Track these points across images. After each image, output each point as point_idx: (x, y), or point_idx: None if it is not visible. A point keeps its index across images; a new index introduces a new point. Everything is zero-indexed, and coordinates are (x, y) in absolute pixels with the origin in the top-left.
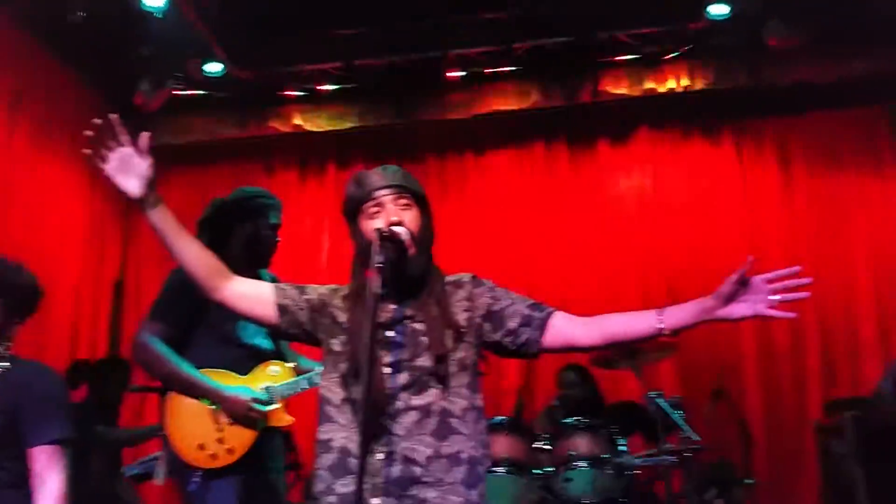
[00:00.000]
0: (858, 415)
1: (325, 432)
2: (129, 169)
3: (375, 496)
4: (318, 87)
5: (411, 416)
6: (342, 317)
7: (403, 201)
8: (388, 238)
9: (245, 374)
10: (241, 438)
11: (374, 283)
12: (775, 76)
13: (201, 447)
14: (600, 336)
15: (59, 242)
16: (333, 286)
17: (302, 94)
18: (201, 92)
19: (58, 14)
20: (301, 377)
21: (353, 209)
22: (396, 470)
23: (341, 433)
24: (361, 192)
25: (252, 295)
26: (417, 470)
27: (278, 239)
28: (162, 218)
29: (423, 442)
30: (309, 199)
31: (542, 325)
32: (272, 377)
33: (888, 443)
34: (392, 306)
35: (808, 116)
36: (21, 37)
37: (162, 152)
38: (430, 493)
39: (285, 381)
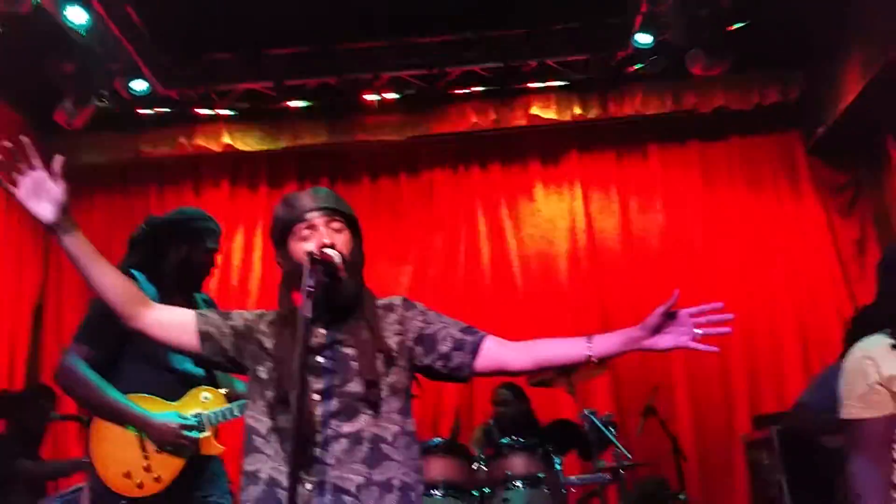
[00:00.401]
0: (783, 428)
1: (251, 463)
2: (41, 193)
3: None
4: (249, 106)
5: (342, 444)
6: (268, 343)
7: (336, 224)
8: (319, 261)
9: (175, 399)
10: (168, 467)
11: (304, 307)
12: (698, 102)
13: (127, 475)
14: (531, 360)
15: None
16: (259, 311)
17: (232, 112)
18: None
19: None
20: (233, 404)
21: (283, 231)
22: (327, 500)
23: (269, 464)
24: (292, 214)
25: (172, 323)
26: (348, 499)
27: (213, 264)
28: (76, 244)
29: (354, 470)
30: (239, 219)
31: (475, 349)
32: (203, 404)
33: (810, 453)
34: (322, 331)
35: (730, 140)
36: None
37: (86, 172)
38: None
39: (217, 408)
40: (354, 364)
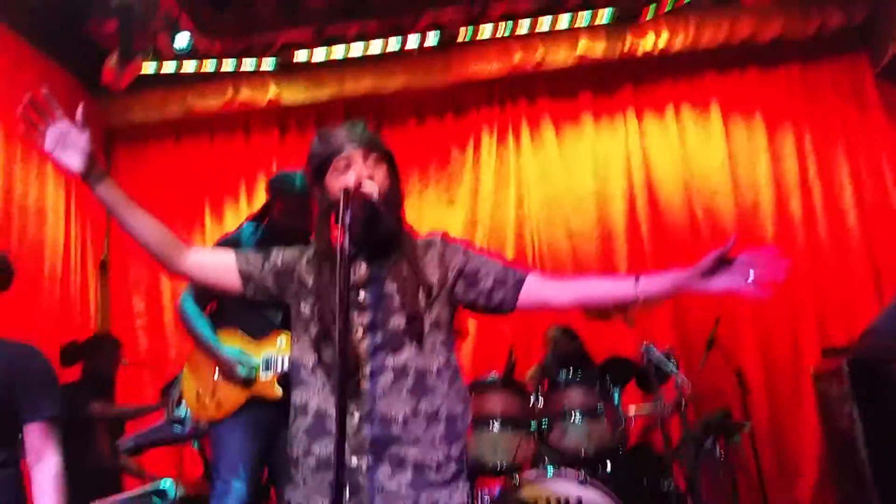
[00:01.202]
0: (853, 357)
1: (299, 396)
2: (67, 144)
3: (353, 456)
4: (291, 56)
5: (387, 376)
6: (309, 279)
7: (373, 159)
8: (357, 195)
9: (261, 338)
10: (230, 396)
11: (343, 241)
12: (755, 31)
13: (198, 396)
14: (574, 298)
15: (40, 223)
16: (300, 247)
17: (275, 63)
18: (173, 65)
19: None
20: None
21: (319, 166)
22: (374, 430)
23: (316, 396)
24: (328, 148)
25: (212, 264)
26: (395, 429)
27: (297, 223)
28: (109, 192)
29: (400, 400)
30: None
31: (518, 285)
32: (276, 348)
33: (883, 385)
34: (363, 266)
35: (792, 67)
36: None
37: (138, 129)
38: (409, 451)
39: (286, 353)
40: (396, 299)
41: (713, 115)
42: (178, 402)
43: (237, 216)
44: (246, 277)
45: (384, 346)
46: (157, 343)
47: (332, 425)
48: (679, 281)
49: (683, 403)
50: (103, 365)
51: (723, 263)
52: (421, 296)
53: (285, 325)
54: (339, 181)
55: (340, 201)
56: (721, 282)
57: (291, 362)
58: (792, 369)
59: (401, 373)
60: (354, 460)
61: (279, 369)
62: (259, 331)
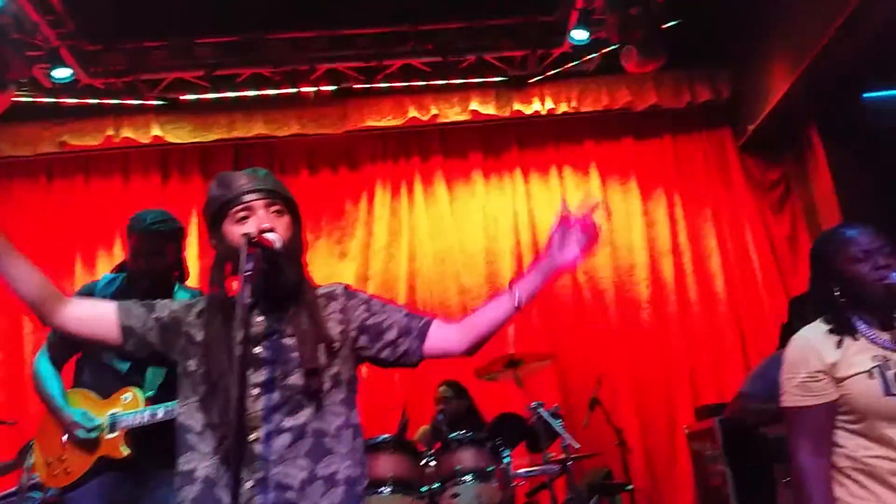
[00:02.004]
0: (724, 419)
1: (186, 462)
2: None
3: None
4: (179, 97)
5: (284, 439)
6: (199, 335)
7: (275, 207)
8: (257, 244)
9: (107, 396)
10: (78, 461)
11: (243, 292)
12: (633, 100)
13: (48, 464)
14: (473, 338)
15: None
16: (186, 301)
17: (161, 102)
18: (49, 100)
19: None
20: (154, 407)
21: (217, 212)
22: (269, 497)
23: (204, 462)
24: (227, 194)
25: (91, 317)
26: (292, 495)
27: (166, 265)
28: None
29: (297, 465)
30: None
31: (422, 335)
32: (122, 404)
33: (752, 443)
34: (260, 318)
35: (664, 137)
36: None
37: (6, 164)
38: None
39: (131, 411)
40: (295, 355)
41: (592, 180)
42: (33, 469)
43: (111, 266)
44: (127, 332)
45: (281, 405)
46: (15, 397)
47: (221, 494)
48: (541, 269)
49: (569, 463)
50: None
51: (563, 236)
52: (321, 351)
53: (132, 377)
54: (239, 229)
55: (241, 250)
56: (568, 252)
57: (177, 426)
58: (667, 428)
59: (298, 434)
60: None
61: (124, 427)
62: (107, 388)
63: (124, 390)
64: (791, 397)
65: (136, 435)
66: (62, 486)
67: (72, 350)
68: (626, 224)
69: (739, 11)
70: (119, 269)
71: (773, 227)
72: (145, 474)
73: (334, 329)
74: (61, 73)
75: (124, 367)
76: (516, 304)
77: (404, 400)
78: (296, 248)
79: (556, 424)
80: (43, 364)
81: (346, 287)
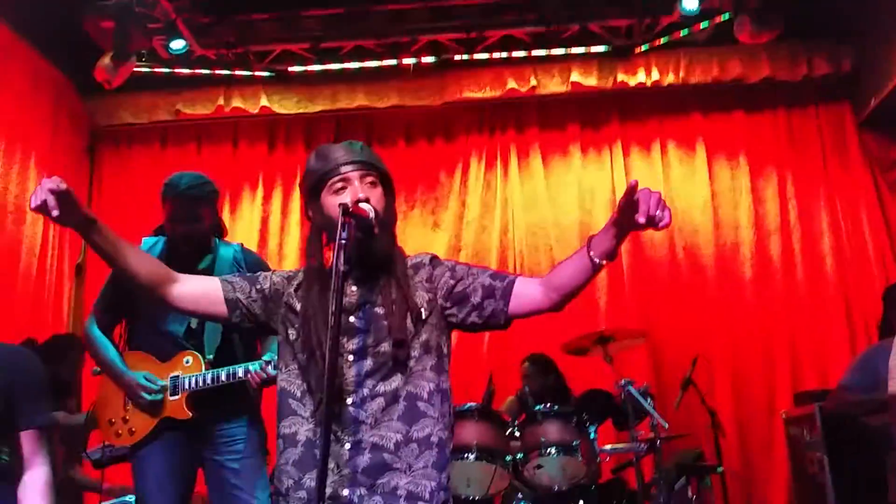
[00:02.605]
0: (825, 405)
1: (288, 426)
2: (58, 203)
3: (345, 487)
4: (286, 68)
5: (378, 403)
6: (298, 305)
7: (370, 179)
8: (353, 214)
9: (166, 359)
10: (142, 421)
11: (338, 260)
12: (745, 72)
13: (110, 423)
14: (557, 294)
15: (19, 221)
16: (287, 273)
17: (269, 74)
18: (165, 70)
19: None
20: (214, 370)
21: (315, 183)
22: (365, 459)
23: (306, 426)
24: (325, 166)
25: (199, 294)
26: (387, 457)
27: (187, 227)
28: (100, 238)
29: (392, 428)
30: (277, 181)
31: (507, 294)
32: (183, 367)
33: (852, 432)
34: (352, 288)
35: (778, 111)
36: None
37: (126, 131)
38: (401, 480)
39: (193, 374)
40: (386, 324)
41: (698, 155)
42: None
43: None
44: (232, 305)
45: (373, 371)
46: None
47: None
48: (615, 229)
49: (658, 443)
50: (65, 370)
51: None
52: (409, 321)
53: (189, 340)
54: (335, 200)
55: (338, 219)
56: (638, 218)
57: (279, 391)
58: (764, 412)
59: (391, 399)
60: (346, 492)
61: (187, 390)
62: (165, 352)
63: (184, 353)
64: None
65: (196, 396)
66: (127, 444)
67: (118, 318)
68: (733, 201)
69: None
70: (159, 231)
71: (890, 208)
72: (204, 431)
73: (422, 298)
74: (177, 45)
75: (181, 330)
76: (595, 262)
77: (491, 369)
78: (389, 218)
79: (646, 403)
80: (94, 330)
81: (433, 256)
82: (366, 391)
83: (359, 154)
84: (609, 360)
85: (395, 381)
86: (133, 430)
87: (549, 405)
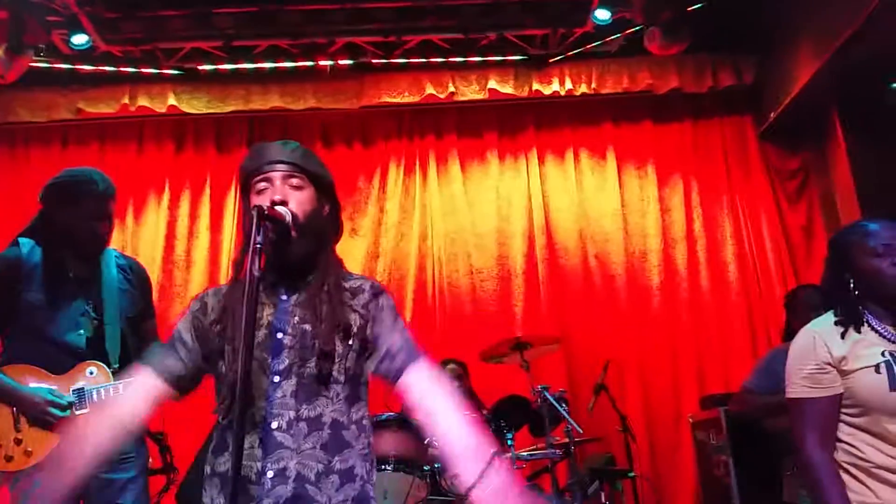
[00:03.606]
0: (731, 409)
1: (221, 464)
2: None
3: None
4: (196, 67)
5: (302, 428)
6: (217, 318)
7: (295, 181)
8: (267, 217)
9: (61, 370)
10: (41, 441)
11: (252, 264)
12: (654, 83)
13: None
14: (420, 419)
15: None
16: (194, 307)
17: (178, 72)
18: (66, 66)
19: None
20: (119, 381)
21: (244, 182)
22: (288, 489)
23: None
24: (252, 165)
25: (145, 395)
26: (309, 488)
27: (97, 228)
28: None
29: (314, 457)
30: (185, 184)
31: (399, 373)
32: (88, 379)
33: (755, 436)
34: (282, 297)
35: (685, 122)
36: None
37: (22, 130)
38: None
39: (101, 384)
40: (314, 342)
41: (609, 164)
42: None
43: (122, 235)
44: (174, 383)
45: (298, 392)
46: None
47: (248, 486)
48: None
49: (572, 448)
50: None
51: None
52: (336, 336)
53: (90, 350)
54: (255, 201)
55: (253, 222)
56: None
57: (214, 426)
58: (672, 416)
59: (316, 425)
60: None
61: (96, 402)
62: (58, 363)
63: (85, 364)
64: (798, 388)
65: None
66: (21, 468)
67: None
68: (641, 210)
69: None
70: (30, 234)
71: (789, 217)
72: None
73: (353, 319)
74: (79, 40)
75: (81, 340)
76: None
77: None
78: (313, 223)
79: (561, 408)
80: None
81: (375, 288)
82: (291, 414)
83: (288, 154)
84: (525, 367)
85: (320, 407)
86: (29, 450)
87: (466, 413)
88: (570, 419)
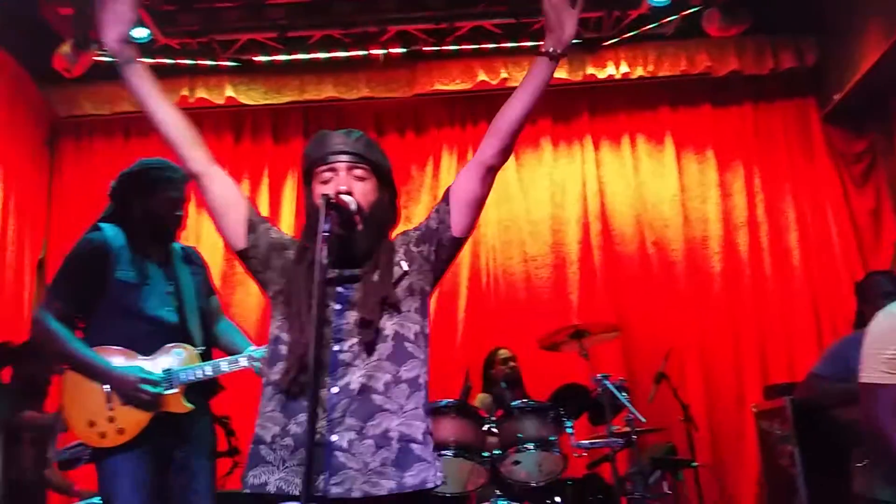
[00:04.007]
0: (796, 397)
1: (277, 373)
2: (114, 20)
3: (333, 433)
4: (252, 58)
5: (364, 342)
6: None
7: (359, 171)
8: (334, 206)
9: (149, 351)
10: (132, 419)
11: (320, 252)
12: (712, 65)
13: (91, 424)
14: (498, 137)
15: None
16: (290, 238)
17: (234, 64)
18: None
19: None
20: (208, 363)
21: (306, 170)
22: (354, 401)
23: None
24: (317, 154)
25: (229, 191)
26: (377, 398)
27: (180, 213)
28: (134, 75)
29: (381, 368)
30: (243, 173)
31: (446, 199)
32: (175, 359)
33: (822, 426)
34: (339, 290)
35: (745, 105)
36: None
37: (87, 122)
38: (392, 422)
39: (187, 366)
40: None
41: (667, 149)
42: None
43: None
44: (251, 226)
45: (348, 356)
46: None
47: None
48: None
49: (634, 437)
50: (37, 371)
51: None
52: (380, 307)
53: (177, 332)
54: (320, 189)
55: (320, 210)
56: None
57: (270, 336)
58: (735, 405)
59: (378, 338)
60: (335, 438)
61: (184, 383)
62: (144, 341)
63: (171, 346)
64: (875, 374)
65: (192, 391)
66: (115, 444)
67: (85, 307)
68: (701, 195)
69: None
70: (111, 220)
71: (855, 202)
72: (180, 427)
73: (403, 263)
74: (139, 33)
75: (173, 317)
76: (550, 51)
77: (465, 365)
78: (377, 213)
79: (622, 397)
80: (55, 324)
81: (405, 231)
82: (353, 337)
83: (351, 144)
84: (585, 355)
85: (382, 320)
86: (122, 428)
87: (525, 401)
88: (631, 408)
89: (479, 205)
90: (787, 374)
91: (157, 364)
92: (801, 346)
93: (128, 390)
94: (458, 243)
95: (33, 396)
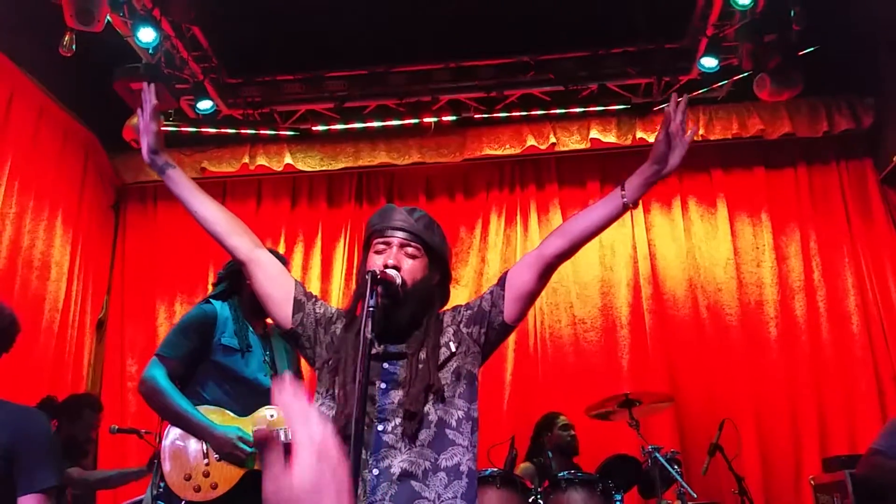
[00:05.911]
0: (857, 472)
1: None
2: (145, 130)
3: None
4: (310, 127)
5: (405, 427)
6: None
7: (412, 249)
8: (381, 280)
9: (244, 411)
10: (226, 475)
11: (365, 326)
12: (765, 128)
13: (187, 478)
14: (567, 237)
15: (44, 277)
16: (330, 308)
17: (293, 133)
18: (192, 129)
19: (46, 47)
20: None
21: (366, 238)
22: (393, 486)
23: None
24: (378, 225)
25: (275, 273)
26: (415, 485)
27: None
28: (175, 177)
29: (422, 455)
30: (298, 237)
31: (501, 285)
32: (269, 421)
33: (885, 502)
34: (384, 366)
35: (799, 167)
36: (5, 67)
37: (153, 188)
38: None
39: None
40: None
41: (719, 211)
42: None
43: None
44: (297, 306)
45: (404, 400)
46: (146, 407)
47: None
48: (649, 173)
49: None
50: (79, 428)
51: (668, 142)
52: (424, 396)
53: (269, 394)
54: (373, 259)
55: (366, 283)
56: (675, 156)
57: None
58: (792, 478)
59: (423, 425)
60: None
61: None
62: (240, 402)
63: (265, 408)
64: None
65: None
66: (207, 500)
67: (194, 367)
68: (755, 258)
69: (882, 34)
70: (221, 298)
71: None
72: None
73: (451, 344)
74: (204, 105)
75: (268, 382)
76: (625, 203)
77: (512, 433)
78: (420, 290)
79: (673, 471)
80: (165, 380)
81: (455, 306)
82: (396, 417)
83: (410, 223)
84: (635, 426)
85: (426, 406)
86: (216, 484)
87: (574, 472)
88: (682, 482)
89: (532, 298)
90: (848, 445)
91: (252, 424)
92: (863, 415)
93: (226, 448)
94: (508, 329)
95: (74, 452)
